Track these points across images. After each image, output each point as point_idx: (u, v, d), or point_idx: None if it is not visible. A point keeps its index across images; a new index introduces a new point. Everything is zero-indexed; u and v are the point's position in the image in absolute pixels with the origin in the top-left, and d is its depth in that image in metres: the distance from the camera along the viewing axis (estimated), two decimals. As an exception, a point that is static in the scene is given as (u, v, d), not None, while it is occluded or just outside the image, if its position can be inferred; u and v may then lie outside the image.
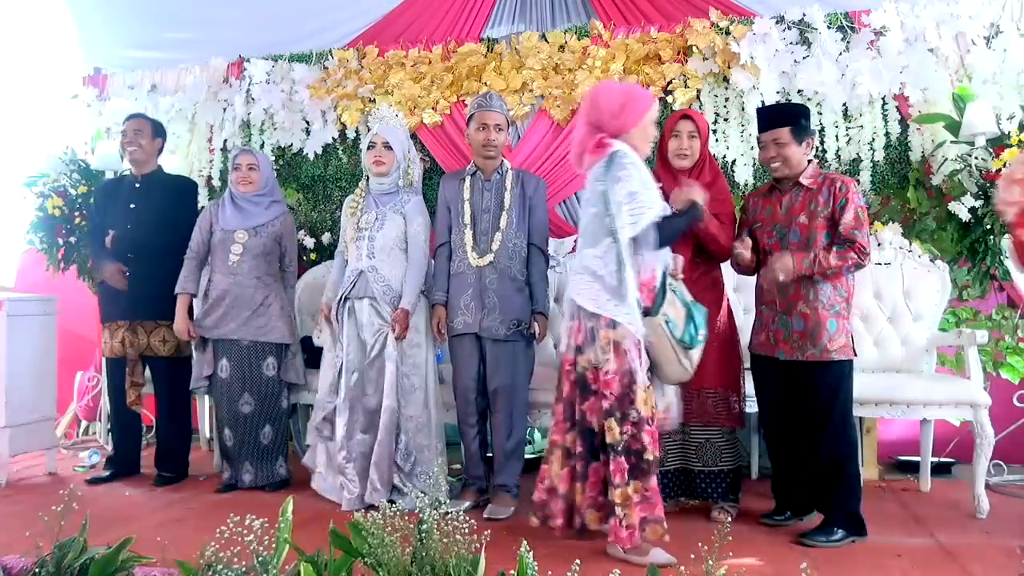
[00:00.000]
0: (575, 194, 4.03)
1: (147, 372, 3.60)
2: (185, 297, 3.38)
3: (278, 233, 3.46)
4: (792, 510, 2.77)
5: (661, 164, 2.93)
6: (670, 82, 3.86)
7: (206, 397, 4.09)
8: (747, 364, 2.91)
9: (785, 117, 2.69)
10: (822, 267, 2.54)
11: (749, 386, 2.96)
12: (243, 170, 3.43)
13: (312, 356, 3.54)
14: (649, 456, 2.35)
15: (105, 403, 4.21)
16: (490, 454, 3.17)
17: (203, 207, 3.74)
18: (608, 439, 2.36)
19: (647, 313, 2.39)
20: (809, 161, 2.70)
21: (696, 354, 2.46)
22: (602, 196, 2.41)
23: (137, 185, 3.61)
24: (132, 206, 3.55)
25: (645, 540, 2.33)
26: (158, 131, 3.67)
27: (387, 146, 3.16)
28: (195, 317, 3.41)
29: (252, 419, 3.33)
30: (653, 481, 2.36)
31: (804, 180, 2.66)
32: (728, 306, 2.96)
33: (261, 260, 3.39)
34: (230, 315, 3.32)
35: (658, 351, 2.41)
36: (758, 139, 2.79)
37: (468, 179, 3.11)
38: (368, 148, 3.19)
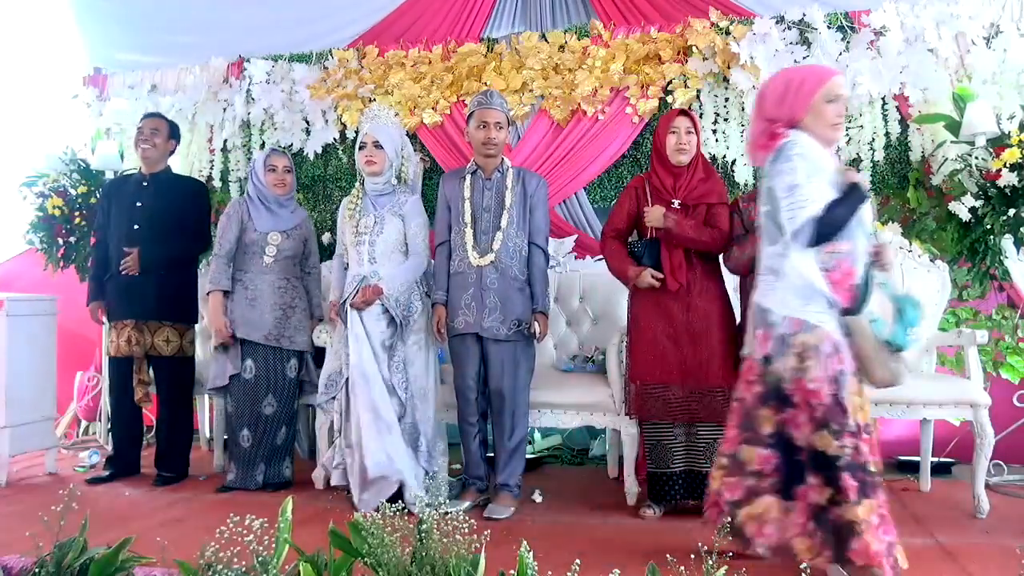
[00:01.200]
0: (575, 194, 4.04)
1: (150, 371, 3.59)
2: (218, 294, 3.33)
3: (304, 236, 3.51)
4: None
5: (658, 161, 2.94)
6: (670, 82, 3.87)
7: (206, 397, 4.09)
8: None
9: None
10: None
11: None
12: (280, 172, 3.43)
13: (315, 356, 3.53)
14: (872, 468, 2.11)
15: (105, 403, 4.21)
16: (490, 454, 3.17)
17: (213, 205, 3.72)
18: (827, 452, 2.11)
19: (848, 313, 2.14)
20: None
21: (910, 356, 2.21)
22: (769, 192, 2.23)
23: (145, 184, 3.59)
24: (139, 204, 3.53)
25: (894, 569, 2.04)
26: (174, 133, 3.68)
27: (377, 144, 3.12)
28: (225, 315, 3.35)
29: (272, 420, 3.34)
30: (883, 496, 2.11)
31: None
32: (730, 304, 2.96)
33: (289, 263, 3.42)
34: (263, 316, 3.33)
35: (863, 353, 2.15)
36: None
37: (468, 178, 3.10)
38: (359, 148, 3.17)
